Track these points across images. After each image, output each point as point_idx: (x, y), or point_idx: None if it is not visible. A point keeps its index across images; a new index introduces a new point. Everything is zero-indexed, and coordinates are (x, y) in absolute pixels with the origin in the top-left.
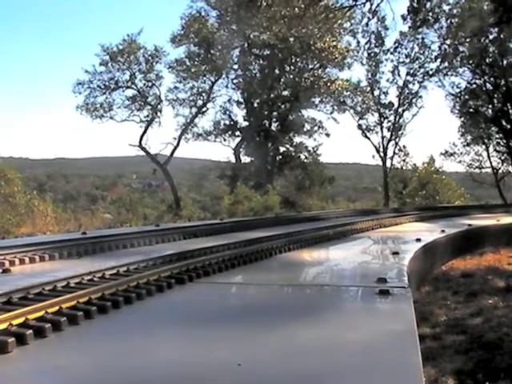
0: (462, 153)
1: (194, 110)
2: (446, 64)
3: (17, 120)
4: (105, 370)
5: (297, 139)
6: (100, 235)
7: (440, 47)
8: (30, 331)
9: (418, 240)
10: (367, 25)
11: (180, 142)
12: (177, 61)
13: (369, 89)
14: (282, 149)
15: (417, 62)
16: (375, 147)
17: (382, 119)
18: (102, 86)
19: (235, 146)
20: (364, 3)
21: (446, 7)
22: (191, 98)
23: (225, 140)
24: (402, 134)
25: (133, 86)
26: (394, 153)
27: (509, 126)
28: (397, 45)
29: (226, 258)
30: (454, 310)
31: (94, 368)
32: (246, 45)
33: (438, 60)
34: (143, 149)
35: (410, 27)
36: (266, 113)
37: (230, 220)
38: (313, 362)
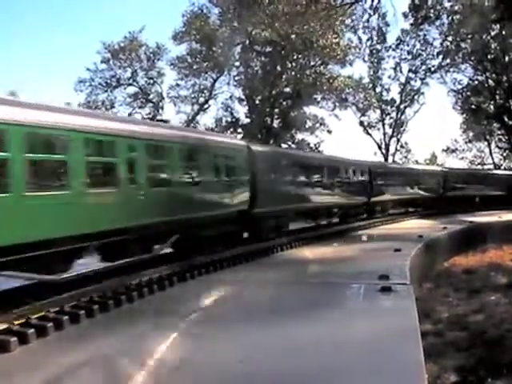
0: (464, 149)
1: (196, 107)
2: (448, 60)
3: None
4: None
5: (299, 136)
6: None
7: (442, 44)
8: None
9: (420, 237)
10: (368, 21)
11: None
12: (178, 58)
13: (371, 85)
14: (283, 146)
15: (419, 58)
16: (377, 144)
17: (384, 116)
18: (104, 84)
19: None
20: (365, 0)
21: (447, 4)
22: (193, 95)
23: None
24: (404, 130)
25: (134, 83)
26: (396, 149)
27: (511, 123)
28: (398, 41)
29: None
30: (456, 306)
31: None
32: (247, 42)
33: (440, 56)
34: None
35: (411, 24)
36: (267, 110)
37: None
38: (313, 359)
